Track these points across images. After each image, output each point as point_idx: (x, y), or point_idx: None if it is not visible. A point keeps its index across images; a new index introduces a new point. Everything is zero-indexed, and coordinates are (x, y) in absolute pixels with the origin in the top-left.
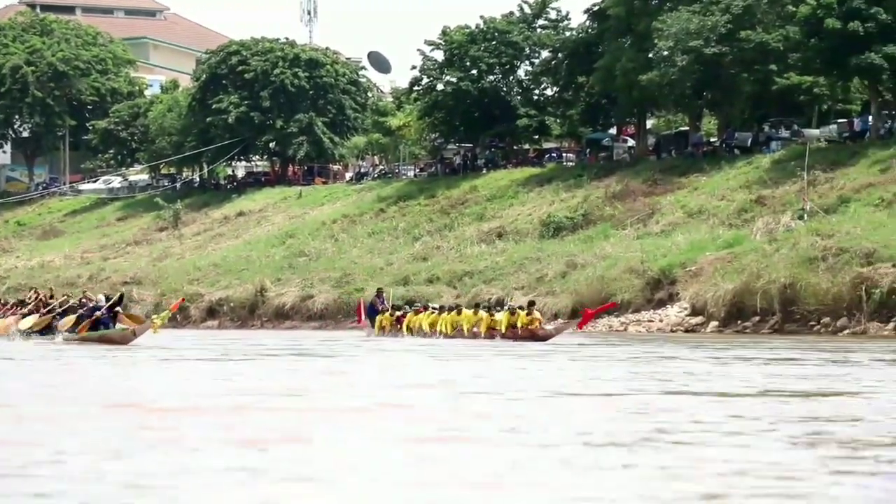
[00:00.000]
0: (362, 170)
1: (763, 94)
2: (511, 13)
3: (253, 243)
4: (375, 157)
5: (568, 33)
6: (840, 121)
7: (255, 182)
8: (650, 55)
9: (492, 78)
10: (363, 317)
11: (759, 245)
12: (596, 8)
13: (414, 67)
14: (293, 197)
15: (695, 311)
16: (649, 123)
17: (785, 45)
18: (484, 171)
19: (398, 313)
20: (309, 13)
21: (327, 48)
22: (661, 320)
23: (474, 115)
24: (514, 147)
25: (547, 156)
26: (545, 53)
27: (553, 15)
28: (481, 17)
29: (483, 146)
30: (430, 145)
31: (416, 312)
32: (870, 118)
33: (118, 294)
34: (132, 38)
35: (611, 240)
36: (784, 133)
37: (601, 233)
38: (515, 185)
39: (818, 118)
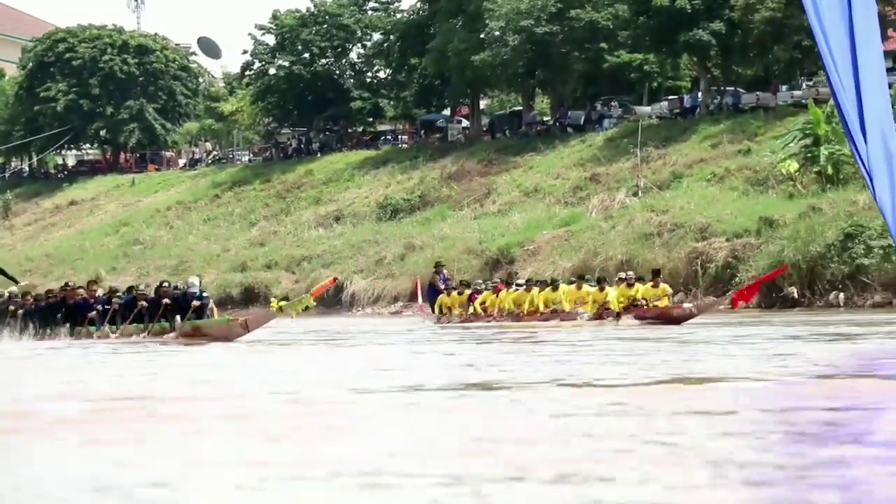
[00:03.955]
0: (196, 156)
1: (594, 72)
2: None
3: (86, 232)
4: (209, 142)
5: (399, 15)
6: (670, 97)
7: (86, 170)
8: (482, 36)
9: (324, 61)
10: (421, 300)
11: (595, 222)
12: None
13: (245, 52)
14: (126, 185)
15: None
16: (483, 104)
17: (614, 23)
18: (319, 155)
19: (468, 291)
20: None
21: (156, 34)
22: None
23: (307, 98)
24: (349, 130)
25: (382, 138)
26: (377, 36)
27: None
28: (312, 0)
29: (317, 130)
30: (263, 130)
31: (495, 290)
32: (699, 94)
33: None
34: None
35: (448, 221)
36: (616, 111)
37: (438, 214)
38: (351, 169)
39: (649, 95)
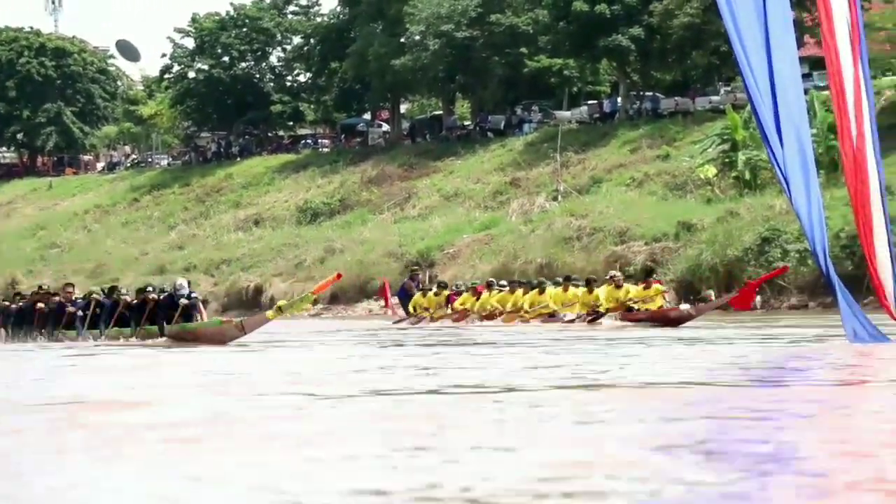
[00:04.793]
0: (114, 160)
1: (514, 76)
2: None
3: (2, 236)
4: (127, 146)
5: (319, 19)
6: (590, 102)
7: (2, 174)
8: (402, 40)
9: (244, 65)
10: (390, 299)
11: (514, 226)
12: None
13: (164, 55)
14: (43, 188)
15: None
16: (403, 108)
17: (534, 28)
18: (238, 159)
19: (446, 292)
20: (53, 2)
21: (74, 37)
22: None
23: (227, 102)
24: (269, 134)
25: (302, 142)
26: (297, 39)
27: (304, 1)
28: (231, 3)
29: (237, 133)
30: (182, 133)
31: (475, 292)
32: (618, 99)
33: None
34: None
35: (368, 224)
36: (536, 115)
37: (358, 218)
38: (271, 172)
39: (569, 100)
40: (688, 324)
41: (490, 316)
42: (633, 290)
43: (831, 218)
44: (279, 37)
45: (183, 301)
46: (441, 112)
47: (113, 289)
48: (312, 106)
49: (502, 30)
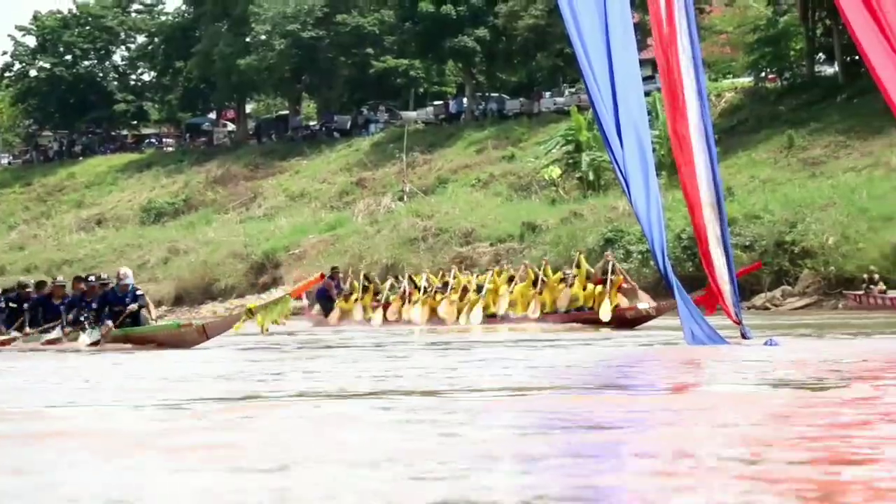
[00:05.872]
0: None
1: (361, 77)
2: None
3: None
4: None
5: (164, 18)
6: (436, 103)
7: None
8: (248, 39)
9: (87, 63)
10: (307, 303)
11: (360, 227)
12: None
13: (5, 53)
14: None
15: None
16: (249, 108)
17: (381, 28)
18: (81, 158)
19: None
20: None
21: None
22: None
23: (70, 101)
24: (112, 133)
25: (146, 141)
26: (141, 38)
27: (148, 0)
28: (74, 1)
29: (80, 132)
30: (24, 132)
31: (403, 294)
32: (464, 100)
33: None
34: None
35: (213, 225)
36: (382, 116)
37: (203, 218)
38: (114, 172)
39: (415, 100)
40: (645, 324)
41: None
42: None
43: (673, 219)
44: (123, 35)
45: (132, 306)
46: (287, 112)
47: (42, 283)
48: (157, 105)
49: (348, 30)
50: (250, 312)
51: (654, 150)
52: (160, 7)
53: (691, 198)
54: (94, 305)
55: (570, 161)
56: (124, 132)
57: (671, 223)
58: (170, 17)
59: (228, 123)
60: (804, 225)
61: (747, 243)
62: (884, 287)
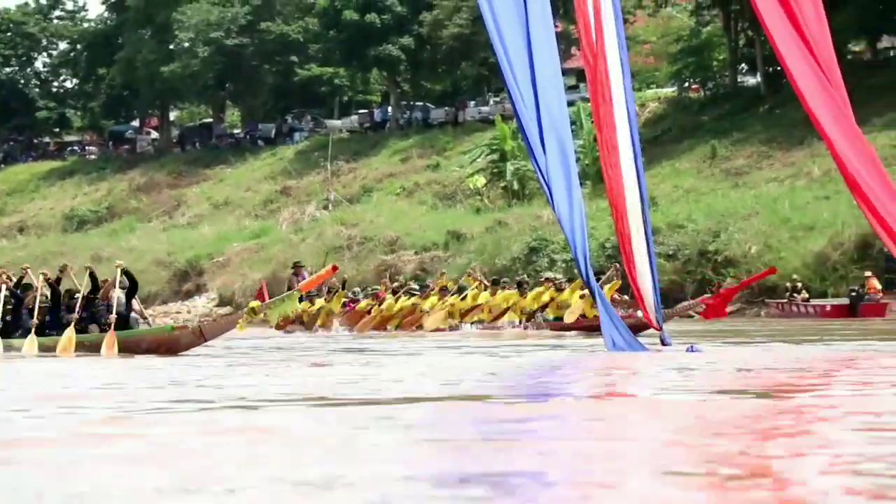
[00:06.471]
0: None
1: (285, 85)
2: (27, 3)
3: None
4: None
5: (86, 24)
6: (361, 111)
7: None
8: (171, 47)
9: (8, 70)
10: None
11: (285, 235)
12: None
13: None
14: None
15: (223, 302)
16: (173, 115)
17: (305, 36)
18: (3, 166)
19: (345, 299)
20: None
21: None
22: (189, 311)
23: None
24: (34, 140)
25: (69, 149)
26: (63, 45)
27: (70, 6)
28: None
29: (1, 140)
30: None
31: (376, 297)
32: (389, 109)
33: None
34: None
35: (137, 232)
36: (307, 124)
37: (126, 226)
38: (36, 179)
39: (339, 109)
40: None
41: (401, 324)
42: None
43: (598, 228)
44: (45, 42)
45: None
46: (211, 120)
47: (19, 280)
48: (79, 112)
49: (272, 38)
50: (253, 312)
51: (578, 159)
52: (83, 14)
53: (618, 206)
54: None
55: (495, 170)
56: (46, 140)
57: (595, 232)
58: (92, 24)
59: (152, 131)
60: (727, 234)
61: (671, 252)
62: (806, 295)
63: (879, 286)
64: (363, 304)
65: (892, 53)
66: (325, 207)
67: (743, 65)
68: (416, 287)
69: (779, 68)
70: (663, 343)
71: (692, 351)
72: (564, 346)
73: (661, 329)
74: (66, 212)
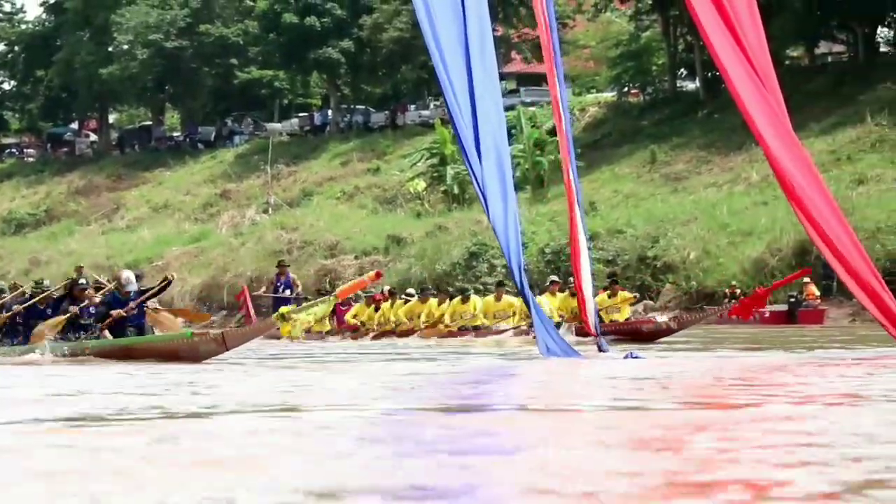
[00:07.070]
0: None
1: (225, 88)
2: None
3: None
4: None
5: (24, 26)
6: (301, 114)
7: None
8: (110, 49)
9: None
10: (251, 309)
11: (224, 239)
12: (52, 1)
13: None
14: None
15: (162, 306)
16: (112, 118)
17: (245, 39)
18: None
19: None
20: None
21: None
22: None
23: None
24: None
25: (6, 151)
26: (1, 46)
27: (7, 7)
28: None
29: None
30: None
31: (372, 301)
32: (329, 112)
33: (164, 278)
34: None
35: (76, 236)
36: (247, 127)
37: (65, 229)
38: None
39: (280, 112)
40: (665, 339)
41: (399, 331)
42: (596, 299)
43: (537, 233)
44: None
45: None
46: (150, 122)
47: (14, 285)
48: (17, 114)
49: (212, 40)
50: (283, 318)
51: (517, 164)
52: (20, 16)
53: (571, 211)
54: (91, 311)
55: (435, 174)
56: None
57: (535, 237)
58: (30, 26)
59: (91, 134)
60: (666, 240)
61: (610, 258)
62: None
63: (818, 292)
64: (356, 308)
65: (829, 59)
66: (266, 211)
67: (682, 70)
68: (412, 292)
69: (717, 73)
70: (600, 349)
71: (632, 357)
72: (504, 354)
73: (597, 335)
74: (4, 214)
